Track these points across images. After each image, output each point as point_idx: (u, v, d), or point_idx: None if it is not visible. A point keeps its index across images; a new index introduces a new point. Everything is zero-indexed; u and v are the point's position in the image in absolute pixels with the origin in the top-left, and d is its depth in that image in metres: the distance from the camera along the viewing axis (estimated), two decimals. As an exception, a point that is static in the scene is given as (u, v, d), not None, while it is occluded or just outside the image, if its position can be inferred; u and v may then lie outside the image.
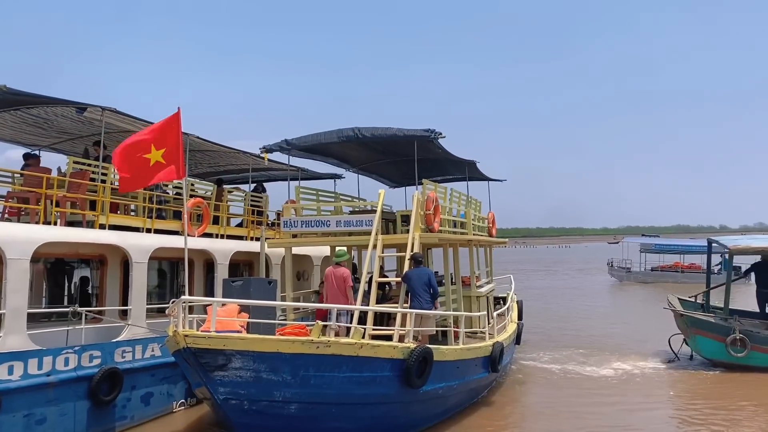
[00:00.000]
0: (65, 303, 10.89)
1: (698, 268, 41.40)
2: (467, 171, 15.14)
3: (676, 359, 14.45)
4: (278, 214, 15.70)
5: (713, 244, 16.05)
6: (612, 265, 45.79)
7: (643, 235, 58.82)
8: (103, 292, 10.50)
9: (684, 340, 14.45)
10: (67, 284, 11.19)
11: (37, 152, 12.91)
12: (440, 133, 11.02)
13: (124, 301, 10.48)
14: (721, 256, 39.32)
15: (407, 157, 12.89)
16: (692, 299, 15.80)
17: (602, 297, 34.53)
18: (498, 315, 13.49)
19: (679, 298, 15.68)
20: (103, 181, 10.71)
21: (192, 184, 14.67)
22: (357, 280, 10.87)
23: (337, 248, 11.36)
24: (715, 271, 39.36)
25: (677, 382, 12.80)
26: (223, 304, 8.31)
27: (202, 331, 7.10)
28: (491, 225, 15.93)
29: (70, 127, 12.01)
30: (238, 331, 7.66)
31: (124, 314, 10.34)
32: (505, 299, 16.24)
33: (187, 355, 6.77)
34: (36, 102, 10.30)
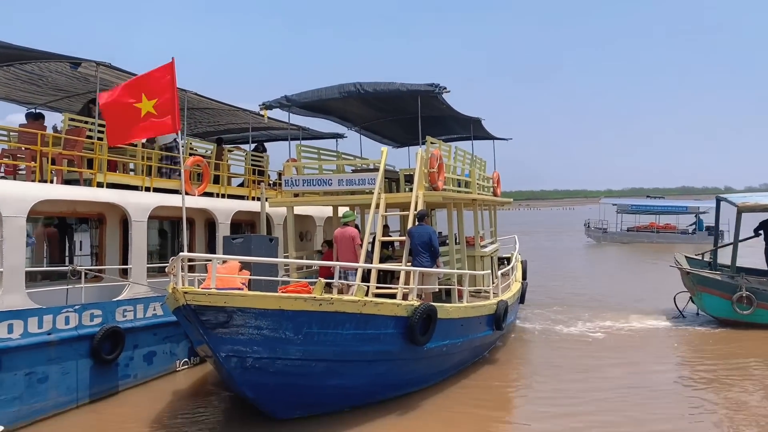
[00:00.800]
0: (66, 263, 10.79)
1: (672, 228, 42.63)
2: (472, 129, 14.85)
3: (681, 317, 14.46)
4: (279, 174, 15.51)
5: (722, 203, 15.85)
6: (589, 226, 46.19)
7: (647, 197, 58.95)
8: (102, 252, 10.39)
9: (690, 297, 14.45)
10: (67, 244, 11.07)
11: (34, 110, 12.64)
12: (444, 88, 10.73)
13: (125, 260, 10.37)
14: (695, 216, 41.57)
15: (410, 114, 12.59)
16: (699, 257, 15.74)
17: (580, 257, 34.79)
18: (502, 274, 13.38)
19: (686, 256, 15.64)
20: (100, 139, 10.49)
21: (190, 144, 14.43)
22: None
23: (344, 210, 11.17)
24: (690, 231, 41.12)
25: (683, 340, 12.76)
26: (224, 262, 8.18)
27: (202, 288, 6.97)
28: (496, 185, 15.73)
29: (66, 84, 11.73)
30: (239, 289, 7.54)
31: (124, 274, 10.26)
32: (509, 259, 16.14)
33: (187, 313, 6.66)
34: (28, 57, 10.03)
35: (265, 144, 17.63)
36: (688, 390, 9.39)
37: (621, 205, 46.13)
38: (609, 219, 45.23)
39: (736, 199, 14.93)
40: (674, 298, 14.88)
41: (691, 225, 42.15)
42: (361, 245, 9.97)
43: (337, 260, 9.91)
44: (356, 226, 10.63)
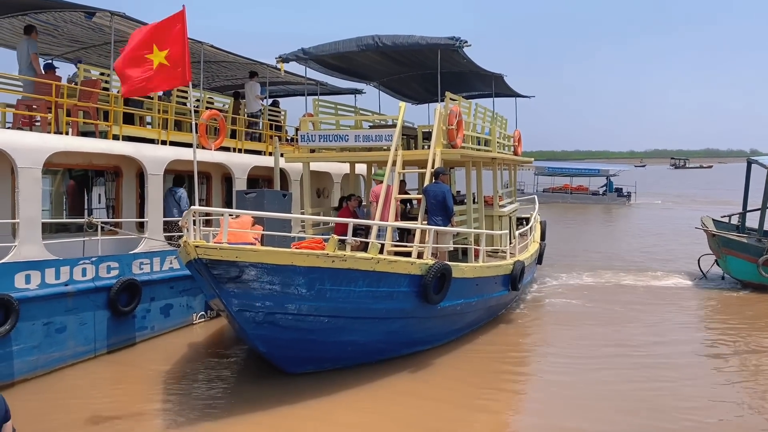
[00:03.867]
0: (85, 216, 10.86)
1: (585, 189, 44.89)
2: (494, 85, 14.48)
3: (704, 278, 14.30)
4: (296, 130, 15.39)
5: (754, 163, 15.42)
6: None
7: (672, 158, 58.72)
8: (119, 204, 10.41)
9: (715, 260, 14.26)
10: (86, 197, 11.12)
11: (50, 61, 12.56)
12: (465, 42, 10.39)
13: (141, 213, 10.40)
14: (606, 179, 44.04)
15: (430, 69, 12.27)
16: (726, 220, 15.48)
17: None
18: (520, 235, 13.22)
19: (713, 219, 15.41)
20: (117, 91, 10.40)
21: (211, 98, 14.32)
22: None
23: (376, 168, 10.97)
24: (600, 193, 43.22)
25: (706, 302, 12.66)
26: (237, 216, 8.13)
27: (214, 243, 6.94)
28: (517, 144, 15.39)
29: (81, 34, 11.61)
30: (251, 244, 7.50)
31: (141, 227, 10.29)
32: (528, 219, 15.94)
33: (198, 266, 6.64)
34: (43, 6, 9.89)
35: (283, 99, 17.45)
36: (711, 351, 9.33)
37: (539, 168, 47.44)
38: (526, 180, 46.88)
39: (766, 160, 14.54)
40: (698, 261, 14.75)
41: (602, 187, 44.14)
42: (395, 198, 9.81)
43: (379, 218, 9.69)
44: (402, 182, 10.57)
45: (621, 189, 43.29)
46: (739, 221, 15.30)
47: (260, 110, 14.44)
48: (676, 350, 9.06)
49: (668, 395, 7.29)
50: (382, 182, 10.08)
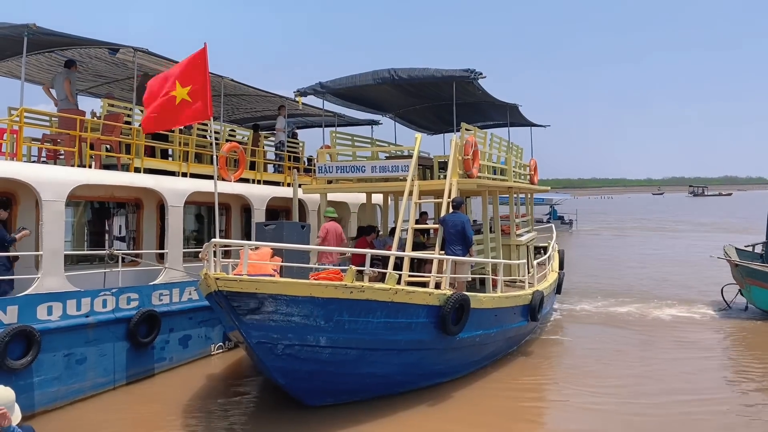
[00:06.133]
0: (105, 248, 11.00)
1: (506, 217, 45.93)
2: (509, 115, 14.57)
3: (728, 309, 14.06)
4: (309, 160, 15.65)
5: None
6: None
7: (690, 186, 58.66)
8: (139, 236, 10.54)
9: (739, 290, 14.02)
10: (107, 228, 11.27)
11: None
12: (480, 73, 10.51)
13: (161, 245, 10.52)
14: (550, 207, 46.15)
15: (445, 101, 12.41)
16: (750, 249, 15.25)
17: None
18: (538, 264, 13.15)
19: (736, 248, 15.18)
20: (139, 125, 10.62)
21: (233, 130, 14.58)
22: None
23: (327, 207, 11.24)
24: (544, 221, 43.14)
25: (730, 332, 12.40)
26: (256, 248, 8.20)
27: (234, 275, 7.00)
28: (533, 172, 15.41)
29: (104, 69, 11.92)
30: (270, 275, 7.55)
31: (161, 258, 10.40)
32: (546, 248, 15.86)
33: (219, 299, 6.69)
34: (69, 43, 10.19)
35: (301, 131, 17.68)
36: (737, 387, 9.08)
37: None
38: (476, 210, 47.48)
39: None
40: (722, 290, 14.49)
41: (546, 215, 45.49)
42: (345, 240, 10.35)
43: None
44: (338, 220, 10.96)
45: (563, 216, 46.02)
46: (763, 250, 15.08)
47: (281, 141, 14.92)
48: (703, 386, 8.80)
49: None
50: (332, 219, 10.54)
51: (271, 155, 15.23)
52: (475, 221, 14.61)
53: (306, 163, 15.97)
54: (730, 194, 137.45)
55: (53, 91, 10.58)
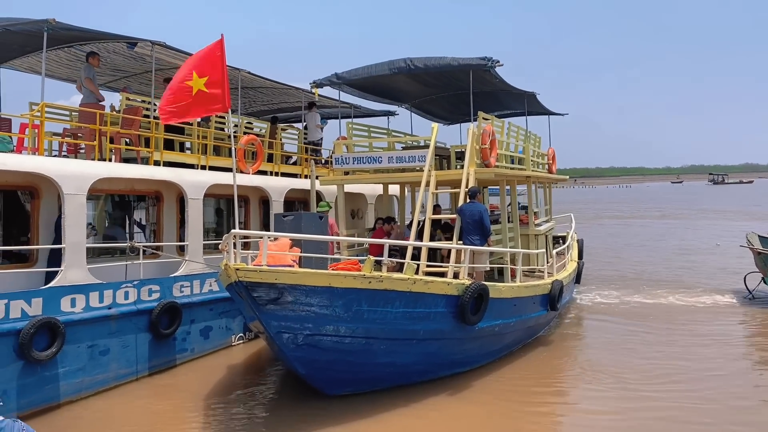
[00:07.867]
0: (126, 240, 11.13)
1: (495, 207, 46.30)
2: (526, 104, 14.46)
3: (750, 297, 13.87)
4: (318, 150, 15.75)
5: None
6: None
7: (710, 174, 57.25)
8: (160, 229, 10.64)
9: (762, 278, 13.83)
10: (128, 221, 11.41)
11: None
12: (497, 61, 10.43)
13: (182, 237, 10.62)
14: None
15: (462, 90, 12.34)
16: None
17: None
18: (557, 253, 13.07)
19: (759, 236, 14.96)
20: (157, 118, 10.71)
21: (250, 122, 14.64)
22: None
23: (320, 202, 11.26)
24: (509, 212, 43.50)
25: (752, 321, 12.21)
26: (275, 239, 8.24)
27: (253, 266, 7.04)
28: (551, 161, 15.29)
29: (123, 63, 12.02)
30: (290, 266, 7.59)
31: (181, 250, 10.50)
32: (564, 238, 15.76)
33: (239, 289, 6.74)
34: (87, 38, 10.29)
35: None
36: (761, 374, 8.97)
37: None
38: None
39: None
40: (744, 279, 14.33)
41: (509, 205, 44.96)
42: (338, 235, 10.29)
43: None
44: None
45: (526, 207, 45.23)
46: None
47: (321, 138, 15.24)
48: (724, 378, 8.67)
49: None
50: (325, 213, 10.34)
51: (288, 148, 15.28)
52: (492, 211, 14.57)
53: (322, 155, 15.99)
54: (751, 182, 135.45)
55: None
